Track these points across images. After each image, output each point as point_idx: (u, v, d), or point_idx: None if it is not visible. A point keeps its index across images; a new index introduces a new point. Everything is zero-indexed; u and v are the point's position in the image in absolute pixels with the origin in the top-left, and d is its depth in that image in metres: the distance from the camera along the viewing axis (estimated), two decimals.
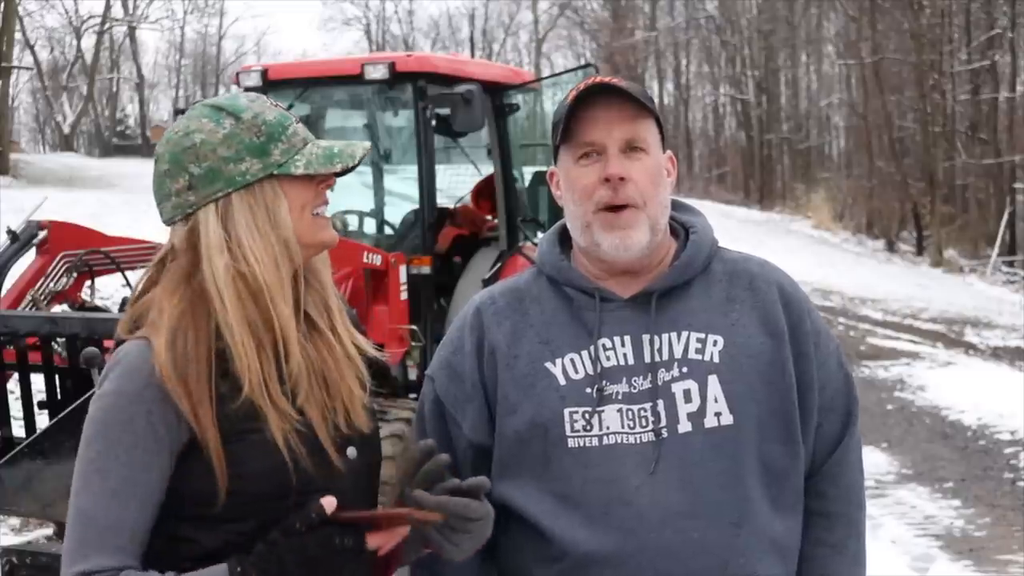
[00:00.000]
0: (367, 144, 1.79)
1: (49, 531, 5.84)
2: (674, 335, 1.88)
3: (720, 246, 2.02)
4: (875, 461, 8.12)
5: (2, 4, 27.98)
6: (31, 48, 46.83)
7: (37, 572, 4.26)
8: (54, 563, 3.70)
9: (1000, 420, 9.41)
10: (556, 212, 7.59)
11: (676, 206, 2.04)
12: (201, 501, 1.62)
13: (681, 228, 2.00)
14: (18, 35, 36.09)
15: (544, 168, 8.13)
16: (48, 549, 4.67)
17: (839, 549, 1.97)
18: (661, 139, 1.95)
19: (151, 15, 54.11)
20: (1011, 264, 27.58)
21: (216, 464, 1.60)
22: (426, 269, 6.56)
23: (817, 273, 21.67)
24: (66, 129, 45.96)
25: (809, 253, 26.38)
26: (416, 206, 6.89)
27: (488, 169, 7.43)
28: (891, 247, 32.17)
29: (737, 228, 26.84)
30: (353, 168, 1.74)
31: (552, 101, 8.80)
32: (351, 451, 1.73)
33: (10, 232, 5.38)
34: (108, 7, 48.82)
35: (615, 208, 1.87)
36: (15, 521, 6.25)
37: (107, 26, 49.69)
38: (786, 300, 1.94)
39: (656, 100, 2.16)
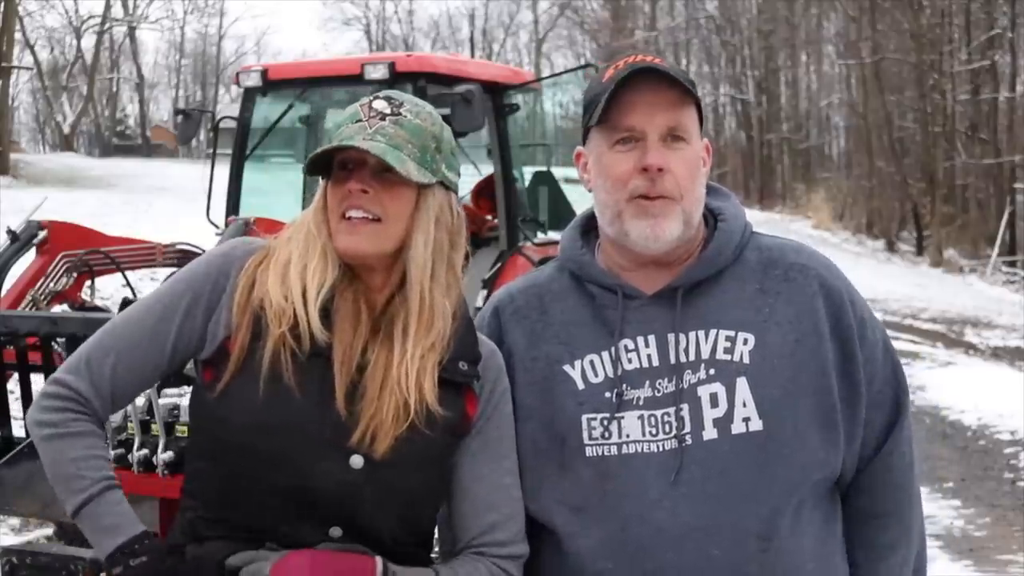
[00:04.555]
0: (373, 145, 1.70)
1: (49, 531, 5.83)
2: (701, 333, 1.76)
3: (755, 231, 1.87)
4: None
5: (2, 4, 27.97)
6: (31, 48, 46.85)
7: (37, 572, 4.25)
8: (54, 563, 3.71)
9: (1000, 420, 9.40)
10: (556, 212, 7.65)
11: (707, 189, 1.90)
12: (201, 430, 1.77)
13: (709, 214, 1.85)
14: (18, 35, 36.09)
15: (544, 168, 8.14)
16: (48, 549, 4.66)
17: (893, 549, 1.84)
18: (700, 125, 1.82)
19: (151, 15, 54.25)
20: (1011, 264, 27.54)
21: (233, 364, 1.70)
22: None
23: None
24: (66, 129, 45.96)
25: None
26: None
27: (488, 169, 7.43)
28: (891, 247, 32.14)
29: None
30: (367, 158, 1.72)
31: (552, 101, 8.82)
32: (355, 460, 1.68)
33: (10, 232, 5.39)
34: (108, 7, 48.86)
35: (650, 198, 1.74)
36: (15, 521, 6.24)
37: (107, 26, 49.73)
38: (827, 291, 1.78)
39: None
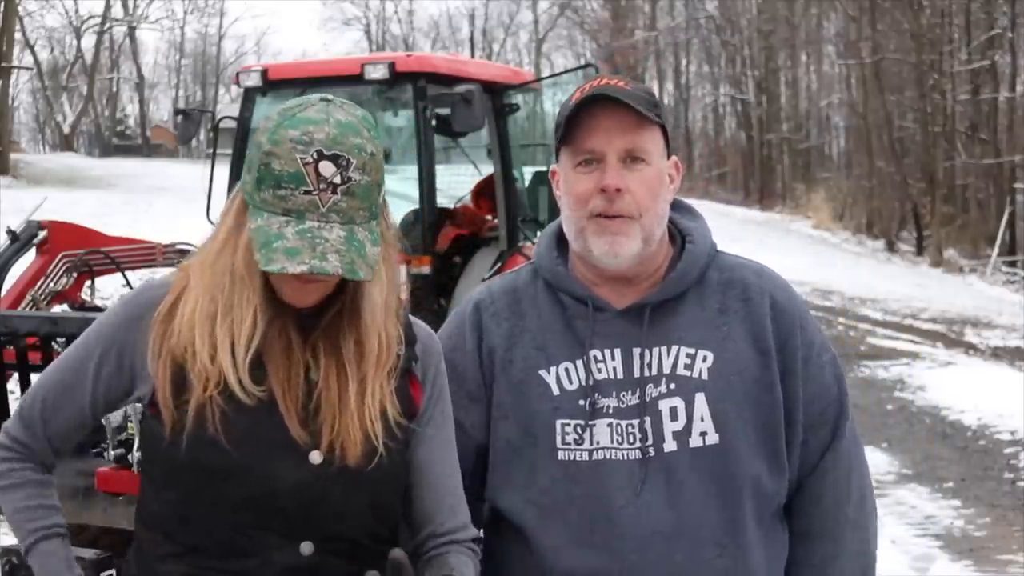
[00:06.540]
0: (336, 267, 1.56)
1: None
2: (664, 349, 1.85)
3: (719, 251, 1.96)
4: (875, 461, 8.11)
5: (2, 4, 27.98)
6: (31, 48, 46.90)
7: None
8: None
9: (1000, 420, 9.40)
10: (556, 212, 7.63)
11: (675, 206, 1.97)
12: (149, 459, 1.73)
13: (678, 234, 1.94)
14: (18, 35, 36.13)
15: (544, 168, 8.14)
16: None
17: (822, 570, 1.94)
18: (666, 145, 1.88)
19: (151, 15, 54.31)
20: (1011, 264, 27.55)
21: (165, 414, 1.65)
22: (426, 269, 6.57)
23: (817, 273, 21.65)
24: (66, 129, 45.99)
25: (809, 253, 26.36)
26: (416, 206, 6.90)
27: (488, 169, 7.43)
28: (891, 247, 32.15)
29: (737, 228, 26.81)
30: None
31: (552, 101, 8.80)
32: (314, 455, 1.64)
33: (10, 232, 5.40)
34: (108, 7, 48.91)
35: (609, 216, 1.82)
36: None
37: (107, 26, 49.79)
38: (777, 313, 1.89)
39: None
